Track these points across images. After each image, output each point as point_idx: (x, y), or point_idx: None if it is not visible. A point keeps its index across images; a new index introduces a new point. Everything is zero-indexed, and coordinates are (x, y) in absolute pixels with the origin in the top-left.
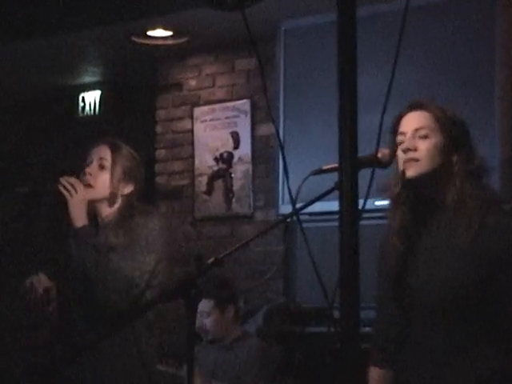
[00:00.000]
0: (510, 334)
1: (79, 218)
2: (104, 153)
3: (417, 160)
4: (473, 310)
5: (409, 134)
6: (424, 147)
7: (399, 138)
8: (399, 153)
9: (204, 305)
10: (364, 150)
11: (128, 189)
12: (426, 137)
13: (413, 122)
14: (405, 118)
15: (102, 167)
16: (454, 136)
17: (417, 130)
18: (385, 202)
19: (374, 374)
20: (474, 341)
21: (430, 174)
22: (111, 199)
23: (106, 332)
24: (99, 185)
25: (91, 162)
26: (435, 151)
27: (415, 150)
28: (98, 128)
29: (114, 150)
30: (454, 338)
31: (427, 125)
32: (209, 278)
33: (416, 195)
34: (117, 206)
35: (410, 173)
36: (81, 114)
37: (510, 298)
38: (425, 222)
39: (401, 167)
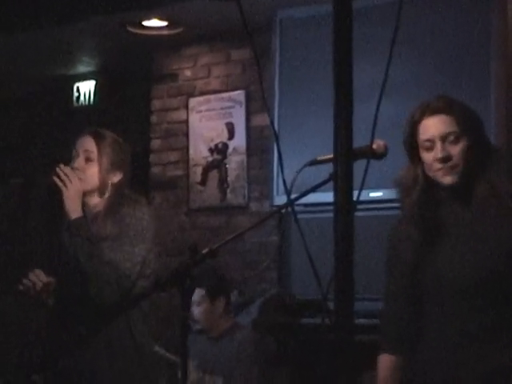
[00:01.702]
0: None
1: (74, 209)
2: (89, 145)
3: (454, 167)
4: (492, 301)
5: (438, 141)
6: (457, 152)
7: (426, 144)
8: (427, 158)
9: (195, 294)
10: (359, 141)
11: (117, 177)
12: (456, 142)
13: (438, 127)
14: (426, 123)
15: (88, 160)
16: (478, 134)
17: (446, 136)
18: (379, 194)
19: (386, 360)
20: (490, 332)
21: (467, 176)
22: (101, 190)
23: (100, 323)
24: (88, 178)
25: (77, 156)
26: (468, 154)
27: (450, 158)
28: (93, 118)
29: (99, 141)
30: (471, 328)
31: (454, 129)
32: (202, 268)
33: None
34: (106, 195)
35: (449, 181)
36: (76, 104)
37: None
38: (448, 213)
39: (432, 172)
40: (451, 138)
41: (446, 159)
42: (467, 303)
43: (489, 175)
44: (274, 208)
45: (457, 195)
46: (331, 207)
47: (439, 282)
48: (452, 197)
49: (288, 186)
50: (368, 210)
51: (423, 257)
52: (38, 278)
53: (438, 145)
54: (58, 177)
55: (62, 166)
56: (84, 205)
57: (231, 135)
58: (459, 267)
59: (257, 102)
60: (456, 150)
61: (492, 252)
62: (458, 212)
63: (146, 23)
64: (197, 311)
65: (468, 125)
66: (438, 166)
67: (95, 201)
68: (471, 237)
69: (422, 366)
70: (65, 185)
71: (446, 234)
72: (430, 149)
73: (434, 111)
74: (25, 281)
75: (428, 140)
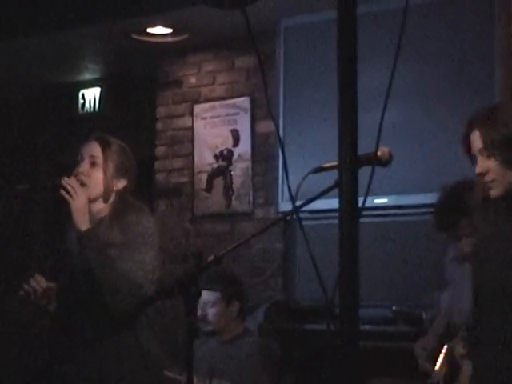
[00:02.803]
0: None
1: (82, 221)
2: (94, 150)
3: (492, 181)
4: None
5: (478, 156)
6: (492, 167)
7: (474, 159)
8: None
9: (210, 295)
10: (364, 147)
11: (121, 184)
12: (490, 156)
13: (476, 143)
14: (470, 138)
15: (93, 165)
16: (509, 143)
17: (480, 151)
18: (384, 200)
19: (467, 366)
20: None
21: (509, 189)
22: (105, 196)
23: (106, 330)
24: (93, 183)
25: (82, 161)
26: (504, 167)
27: (486, 172)
28: (98, 125)
29: (105, 147)
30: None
31: (486, 145)
32: (220, 271)
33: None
34: (110, 201)
35: (493, 194)
36: (80, 111)
37: None
38: (501, 223)
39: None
40: (485, 153)
41: (482, 174)
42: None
43: None
44: (279, 214)
45: (506, 206)
46: (336, 214)
47: (490, 287)
48: (502, 208)
49: (293, 193)
50: (373, 216)
51: (478, 264)
52: (38, 283)
53: (478, 160)
54: (64, 189)
55: (66, 178)
56: (88, 211)
57: (236, 142)
58: (504, 278)
59: (262, 109)
60: (491, 164)
61: None
62: (507, 222)
63: (150, 30)
64: (211, 312)
65: (497, 141)
66: (481, 179)
67: (99, 206)
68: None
69: (477, 369)
70: (71, 196)
71: (498, 242)
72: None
73: (472, 126)
74: (25, 286)
75: (473, 155)
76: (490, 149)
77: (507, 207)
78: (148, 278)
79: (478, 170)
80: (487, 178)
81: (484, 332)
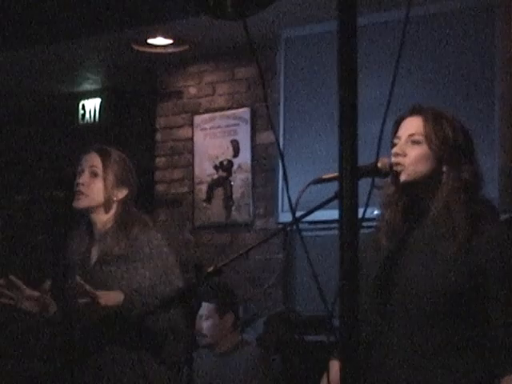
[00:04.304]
0: (492, 347)
1: (115, 298)
2: (94, 161)
3: (402, 166)
4: (452, 319)
5: (403, 139)
6: (413, 153)
7: (395, 141)
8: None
9: (204, 308)
10: (364, 159)
11: (122, 193)
12: (417, 143)
13: (408, 126)
14: (403, 123)
15: (93, 175)
16: (446, 145)
17: (410, 135)
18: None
19: (337, 366)
20: (451, 350)
21: (417, 181)
22: (106, 205)
23: (107, 340)
24: (93, 193)
25: (82, 171)
26: (423, 159)
27: (404, 155)
28: (98, 135)
29: (104, 157)
30: (430, 345)
31: (421, 131)
32: (212, 283)
33: (408, 198)
34: (113, 211)
35: (401, 178)
36: (81, 122)
37: (494, 310)
38: (413, 226)
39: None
40: (414, 138)
41: (399, 155)
42: (427, 321)
43: (446, 194)
44: (279, 225)
45: (421, 208)
46: (336, 224)
47: (400, 298)
48: (418, 209)
49: (293, 204)
50: (373, 227)
51: (389, 271)
52: (21, 291)
53: (402, 141)
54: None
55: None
56: (92, 224)
57: (236, 153)
58: (417, 286)
59: (262, 120)
60: (413, 151)
61: (451, 273)
62: (421, 229)
63: (151, 41)
64: (205, 325)
65: (439, 133)
66: (393, 159)
67: (102, 219)
68: (430, 257)
69: (380, 379)
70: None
71: (410, 250)
72: (394, 146)
73: (411, 112)
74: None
75: (397, 137)
76: (426, 136)
77: (407, 194)
78: (155, 291)
79: (396, 149)
80: (403, 161)
81: (378, 343)
